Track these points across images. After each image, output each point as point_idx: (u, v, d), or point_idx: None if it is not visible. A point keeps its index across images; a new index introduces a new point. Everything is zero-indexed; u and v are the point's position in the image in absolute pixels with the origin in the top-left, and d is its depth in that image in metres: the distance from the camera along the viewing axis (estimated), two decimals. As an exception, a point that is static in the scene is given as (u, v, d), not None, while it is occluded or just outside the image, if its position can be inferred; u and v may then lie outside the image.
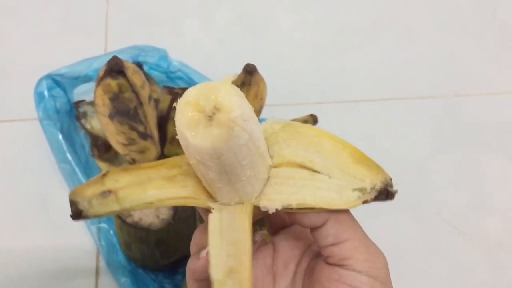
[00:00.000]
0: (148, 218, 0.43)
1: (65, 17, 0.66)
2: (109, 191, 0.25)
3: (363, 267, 0.23)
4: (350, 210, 0.25)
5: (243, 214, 0.24)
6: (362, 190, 0.24)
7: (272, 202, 0.24)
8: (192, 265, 0.26)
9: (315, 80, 0.64)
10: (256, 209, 0.25)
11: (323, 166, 0.24)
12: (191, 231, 0.47)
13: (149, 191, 0.25)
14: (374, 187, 0.24)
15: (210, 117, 0.21)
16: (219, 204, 0.25)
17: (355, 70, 0.65)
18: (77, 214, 0.25)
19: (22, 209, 0.54)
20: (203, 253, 0.24)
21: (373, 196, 0.24)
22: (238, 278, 0.23)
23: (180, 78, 0.57)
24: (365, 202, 0.24)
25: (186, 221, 0.47)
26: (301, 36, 0.67)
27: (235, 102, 0.21)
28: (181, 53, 0.58)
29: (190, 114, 0.21)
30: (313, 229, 0.25)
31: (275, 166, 0.25)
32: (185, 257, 0.49)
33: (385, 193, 0.24)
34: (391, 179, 0.24)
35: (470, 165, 0.60)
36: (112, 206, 0.25)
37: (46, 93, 0.52)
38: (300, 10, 0.69)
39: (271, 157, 0.25)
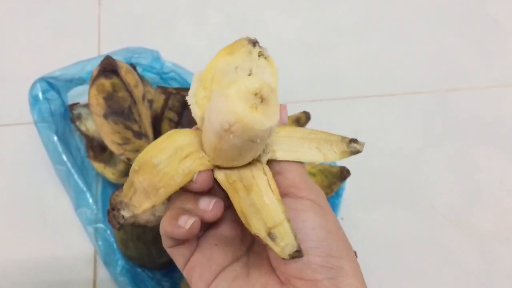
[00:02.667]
0: (145, 215, 0.44)
1: (58, 21, 0.67)
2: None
3: (304, 193, 0.26)
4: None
5: (259, 171, 0.26)
6: (345, 141, 0.28)
7: (282, 154, 0.27)
8: (169, 230, 0.27)
9: (307, 78, 0.65)
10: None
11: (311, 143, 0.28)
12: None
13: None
14: (350, 140, 0.28)
15: (264, 100, 0.23)
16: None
17: (346, 68, 0.66)
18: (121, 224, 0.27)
19: (18, 211, 0.54)
20: (183, 222, 0.26)
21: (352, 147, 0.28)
22: (282, 229, 0.25)
23: (174, 79, 0.57)
24: (354, 151, 0.28)
25: (182, 219, 0.47)
26: (292, 35, 0.68)
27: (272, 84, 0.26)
28: (174, 54, 0.58)
29: (200, 95, 0.25)
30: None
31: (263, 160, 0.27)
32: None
33: (355, 140, 0.28)
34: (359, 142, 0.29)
35: (462, 158, 0.60)
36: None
37: (40, 96, 0.53)
38: (290, 10, 0.70)
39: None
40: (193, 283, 0.28)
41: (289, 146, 0.28)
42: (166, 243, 0.28)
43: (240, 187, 0.26)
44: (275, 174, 0.27)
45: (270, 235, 0.24)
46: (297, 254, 0.24)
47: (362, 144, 0.29)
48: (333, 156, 0.28)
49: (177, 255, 0.28)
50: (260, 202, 0.25)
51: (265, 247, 0.27)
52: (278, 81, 0.29)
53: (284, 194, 0.27)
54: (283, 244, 0.24)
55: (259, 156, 0.27)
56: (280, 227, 0.24)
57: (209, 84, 0.28)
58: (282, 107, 0.29)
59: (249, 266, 0.28)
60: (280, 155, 0.27)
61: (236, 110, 0.22)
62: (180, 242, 0.28)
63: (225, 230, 0.29)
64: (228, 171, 0.26)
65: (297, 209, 0.26)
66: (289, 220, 0.25)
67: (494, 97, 0.65)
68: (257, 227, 0.25)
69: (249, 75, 0.29)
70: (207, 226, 0.29)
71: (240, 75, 0.28)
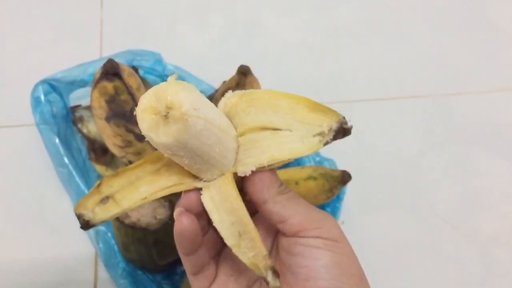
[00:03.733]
0: (146, 218, 0.44)
1: (60, 23, 0.67)
2: (107, 197, 0.28)
3: (315, 233, 0.26)
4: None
5: (227, 184, 0.27)
6: (321, 134, 0.26)
7: (246, 166, 0.27)
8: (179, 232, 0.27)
9: (307, 81, 0.65)
10: (237, 176, 0.27)
11: (282, 123, 0.26)
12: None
13: (140, 188, 0.28)
14: (331, 129, 0.26)
15: (166, 116, 0.23)
16: (204, 182, 0.27)
17: (347, 71, 0.66)
18: (85, 224, 0.28)
19: (19, 213, 0.55)
20: (178, 213, 0.27)
21: (331, 137, 0.26)
22: (248, 236, 0.26)
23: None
24: (326, 143, 0.26)
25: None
26: (293, 38, 0.68)
27: (183, 96, 0.23)
28: (176, 56, 0.59)
29: (148, 118, 0.24)
30: (260, 208, 0.28)
31: (241, 135, 0.27)
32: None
33: (342, 131, 0.26)
34: (344, 117, 0.26)
35: (462, 162, 0.61)
36: (113, 210, 0.28)
37: (42, 98, 0.53)
38: (291, 12, 0.70)
39: (235, 127, 0.27)
40: None
41: (256, 145, 0.27)
42: (189, 268, 0.29)
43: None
44: (278, 223, 0.27)
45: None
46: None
47: (350, 127, 0.27)
48: (312, 146, 0.26)
49: (197, 286, 0.29)
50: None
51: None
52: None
53: (293, 235, 0.27)
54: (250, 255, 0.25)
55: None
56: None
57: None
58: None
59: None
60: (245, 169, 0.27)
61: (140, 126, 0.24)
62: (200, 268, 0.29)
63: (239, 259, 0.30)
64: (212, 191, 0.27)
65: (309, 246, 0.26)
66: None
67: (495, 101, 0.65)
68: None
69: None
70: (223, 255, 0.30)
71: None
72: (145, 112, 0.24)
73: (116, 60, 0.46)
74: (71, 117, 0.54)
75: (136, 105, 0.46)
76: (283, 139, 0.26)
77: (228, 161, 0.27)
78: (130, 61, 0.55)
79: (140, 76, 0.51)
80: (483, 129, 0.63)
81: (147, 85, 0.53)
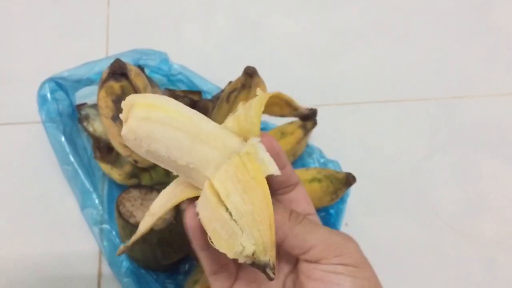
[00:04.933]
0: (151, 218, 0.44)
1: (66, 21, 0.67)
2: None
3: (336, 260, 0.26)
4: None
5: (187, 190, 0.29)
6: (241, 252, 0.24)
7: (197, 205, 0.28)
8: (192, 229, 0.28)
9: (313, 83, 0.65)
10: None
11: (235, 206, 0.25)
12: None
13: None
14: (253, 255, 0.24)
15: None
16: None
17: (353, 73, 0.66)
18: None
19: (24, 210, 0.55)
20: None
21: (249, 262, 0.25)
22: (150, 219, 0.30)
23: (181, 81, 0.57)
24: (235, 259, 0.25)
25: (188, 221, 0.47)
26: (299, 39, 0.68)
27: (127, 125, 0.26)
28: (182, 56, 0.59)
29: (124, 112, 0.27)
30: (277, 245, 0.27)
31: (209, 180, 0.26)
32: (187, 257, 0.50)
33: (261, 268, 0.24)
34: (274, 264, 0.25)
35: (467, 166, 0.60)
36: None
37: (49, 96, 0.53)
38: (298, 14, 0.70)
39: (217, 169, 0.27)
40: None
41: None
42: (208, 266, 0.29)
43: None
44: (298, 254, 0.27)
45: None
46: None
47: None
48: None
49: (217, 286, 0.30)
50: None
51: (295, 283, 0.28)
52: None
53: (314, 262, 0.27)
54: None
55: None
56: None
57: None
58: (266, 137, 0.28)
59: None
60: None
61: None
62: (219, 266, 0.29)
63: None
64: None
65: (330, 272, 0.26)
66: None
67: (500, 105, 0.65)
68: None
69: None
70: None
71: None
72: (125, 106, 0.27)
73: (122, 59, 0.46)
74: (77, 115, 0.54)
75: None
76: (218, 217, 0.25)
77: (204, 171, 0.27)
78: (136, 60, 0.56)
79: (146, 75, 0.51)
80: (488, 133, 0.63)
81: (153, 84, 0.53)
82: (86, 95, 0.57)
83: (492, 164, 0.61)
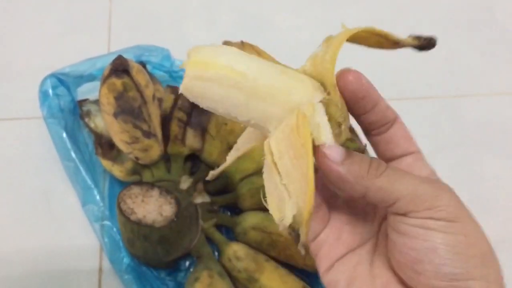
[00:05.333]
0: (152, 215, 0.44)
1: (69, 16, 0.67)
2: None
3: (425, 214, 0.23)
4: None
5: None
6: (282, 220, 0.23)
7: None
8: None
9: (316, 80, 0.65)
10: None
11: (284, 170, 0.24)
12: (194, 229, 0.48)
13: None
14: (291, 226, 0.23)
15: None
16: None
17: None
18: None
19: (25, 206, 0.55)
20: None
21: (288, 231, 0.24)
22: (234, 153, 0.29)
23: (183, 77, 0.57)
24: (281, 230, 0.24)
25: (189, 219, 0.47)
26: (303, 36, 0.68)
27: (183, 84, 0.25)
28: (184, 52, 0.58)
29: (187, 60, 0.25)
30: (358, 198, 0.25)
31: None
32: (187, 254, 0.50)
33: (294, 238, 0.24)
34: (305, 239, 0.23)
35: (469, 165, 0.60)
36: None
37: (50, 91, 0.53)
38: (301, 11, 0.70)
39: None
40: (318, 257, 0.28)
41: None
42: None
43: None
44: (383, 207, 0.25)
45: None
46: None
47: None
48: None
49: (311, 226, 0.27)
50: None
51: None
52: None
53: (402, 215, 0.24)
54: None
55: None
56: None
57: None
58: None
59: (375, 252, 0.27)
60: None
61: None
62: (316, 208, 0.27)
63: (357, 208, 0.28)
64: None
65: (417, 226, 0.23)
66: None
67: (502, 104, 0.64)
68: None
69: None
70: (342, 200, 0.28)
71: None
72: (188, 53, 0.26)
73: (124, 55, 0.46)
74: (79, 111, 0.54)
75: (144, 102, 0.46)
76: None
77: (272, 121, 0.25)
78: (138, 56, 0.55)
79: (147, 72, 0.51)
80: (492, 132, 0.62)
81: (155, 81, 0.53)
82: (88, 91, 0.56)
83: (495, 163, 0.60)
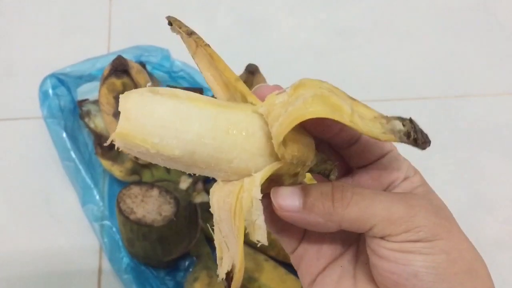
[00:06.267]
0: (151, 215, 0.44)
1: (69, 17, 0.67)
2: None
3: (402, 238, 0.22)
4: None
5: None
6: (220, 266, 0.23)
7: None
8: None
9: (315, 80, 0.65)
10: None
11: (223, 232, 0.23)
12: (193, 229, 0.48)
13: None
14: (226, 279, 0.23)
15: None
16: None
17: (354, 71, 0.66)
18: None
19: (25, 206, 0.55)
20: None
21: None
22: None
23: (183, 78, 0.57)
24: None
25: (188, 219, 0.47)
26: (301, 37, 0.68)
27: (116, 133, 0.21)
28: (183, 53, 0.58)
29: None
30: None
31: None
32: (187, 254, 0.50)
33: None
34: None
35: (468, 165, 0.60)
36: None
37: (50, 92, 0.53)
38: (300, 12, 0.70)
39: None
40: (299, 270, 0.27)
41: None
42: (273, 227, 0.26)
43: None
44: (358, 232, 0.24)
45: None
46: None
47: None
48: None
49: (285, 242, 0.27)
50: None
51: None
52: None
53: (380, 238, 0.23)
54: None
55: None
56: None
57: None
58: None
59: (357, 262, 0.26)
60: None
61: None
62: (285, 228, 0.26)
63: None
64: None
65: (395, 250, 0.22)
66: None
67: (501, 104, 0.65)
68: None
69: None
70: None
71: None
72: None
73: (124, 55, 0.46)
74: (78, 111, 0.54)
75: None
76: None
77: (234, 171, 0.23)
78: (138, 56, 0.56)
79: (147, 72, 0.51)
80: (490, 132, 0.62)
81: (154, 81, 0.53)
82: (88, 91, 0.57)
83: (493, 164, 0.60)
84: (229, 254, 0.23)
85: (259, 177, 0.22)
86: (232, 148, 0.22)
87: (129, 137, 0.21)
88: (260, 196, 0.21)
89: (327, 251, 0.26)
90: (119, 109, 0.22)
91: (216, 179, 0.24)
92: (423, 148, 0.24)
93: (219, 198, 0.23)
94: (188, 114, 0.22)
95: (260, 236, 0.22)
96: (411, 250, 0.22)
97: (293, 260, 0.27)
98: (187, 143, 0.21)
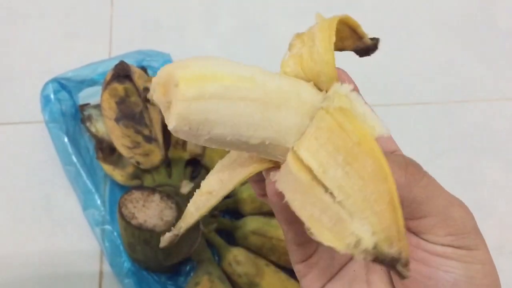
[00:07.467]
0: (152, 220, 0.44)
1: (70, 21, 0.67)
2: None
3: (447, 241, 0.21)
4: None
5: (254, 164, 0.23)
6: (355, 245, 0.18)
7: (277, 177, 0.21)
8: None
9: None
10: None
11: (336, 183, 0.18)
12: (194, 234, 0.48)
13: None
14: (376, 248, 0.18)
15: (169, 102, 0.19)
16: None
17: (354, 76, 0.66)
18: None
19: (26, 210, 0.55)
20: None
21: (369, 257, 0.18)
22: (210, 199, 0.24)
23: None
24: (353, 255, 0.18)
25: (189, 223, 0.47)
26: (303, 42, 0.68)
27: (175, 113, 0.19)
28: (185, 57, 0.59)
29: (157, 93, 0.20)
30: None
31: (292, 151, 0.20)
32: (188, 259, 0.50)
33: (389, 265, 0.18)
34: (407, 258, 0.18)
35: (468, 171, 0.60)
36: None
37: (52, 96, 0.53)
38: (301, 16, 0.70)
39: (301, 137, 0.21)
40: (306, 280, 0.25)
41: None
42: (292, 238, 0.24)
43: None
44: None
45: None
46: None
47: None
48: (336, 243, 0.18)
49: (300, 255, 0.25)
50: None
51: None
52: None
53: (417, 233, 0.22)
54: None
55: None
56: None
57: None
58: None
59: (369, 265, 0.25)
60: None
61: None
62: (306, 241, 0.24)
63: None
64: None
65: (436, 254, 0.22)
66: None
67: (502, 109, 0.65)
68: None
69: None
70: None
71: None
72: (157, 85, 0.20)
73: (125, 60, 0.46)
74: (80, 116, 0.54)
75: (145, 107, 0.46)
76: (314, 200, 0.19)
77: (289, 138, 0.20)
78: (140, 61, 0.56)
79: (149, 77, 0.51)
80: (490, 138, 0.63)
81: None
82: (89, 95, 0.57)
83: (494, 169, 0.61)
84: (359, 217, 0.18)
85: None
86: (288, 79, 0.21)
87: (196, 79, 0.19)
88: (350, 87, 0.20)
89: (340, 256, 0.25)
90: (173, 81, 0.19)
91: (286, 144, 0.21)
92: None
93: (309, 146, 0.19)
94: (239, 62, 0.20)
95: (379, 127, 0.19)
96: (453, 257, 0.21)
97: (302, 268, 0.25)
98: (254, 68, 0.20)
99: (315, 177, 0.19)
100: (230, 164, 0.24)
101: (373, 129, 0.19)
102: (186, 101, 0.19)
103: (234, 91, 0.19)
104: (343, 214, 0.18)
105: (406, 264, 0.17)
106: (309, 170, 0.19)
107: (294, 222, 0.23)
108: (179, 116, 0.19)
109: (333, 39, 0.21)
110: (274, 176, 0.21)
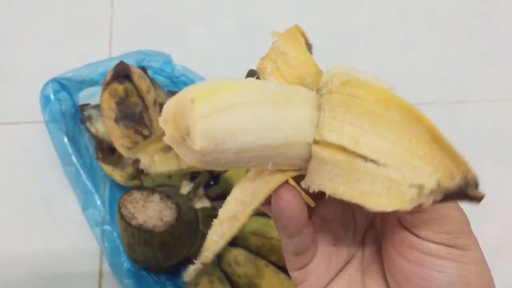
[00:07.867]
0: (152, 220, 0.44)
1: (70, 21, 0.67)
2: (170, 148, 0.23)
3: (440, 239, 0.21)
4: None
5: (276, 175, 0.23)
6: (420, 187, 0.18)
7: (309, 182, 0.21)
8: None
9: (316, 85, 0.65)
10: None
11: (372, 148, 0.19)
12: (194, 234, 0.48)
13: None
14: (440, 185, 0.18)
15: (185, 139, 0.20)
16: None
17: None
18: (139, 171, 0.25)
19: (26, 210, 0.55)
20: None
21: (438, 197, 0.17)
22: (234, 223, 0.24)
23: (184, 82, 0.57)
24: (419, 206, 0.18)
25: (189, 224, 0.47)
26: (303, 42, 0.68)
27: (199, 132, 0.19)
28: (185, 58, 0.59)
29: (168, 131, 0.20)
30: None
31: (316, 143, 0.20)
32: (188, 259, 0.50)
33: (462, 195, 0.18)
34: (475, 177, 0.18)
35: (469, 171, 0.60)
36: (172, 164, 0.25)
37: (52, 96, 0.53)
38: (300, 16, 0.70)
39: (318, 126, 0.21)
40: (304, 286, 0.25)
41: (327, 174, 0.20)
42: (291, 249, 0.25)
43: None
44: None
45: None
46: None
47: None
48: (397, 201, 0.18)
49: (297, 264, 0.25)
50: None
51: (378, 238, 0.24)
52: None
53: (410, 227, 0.22)
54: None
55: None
56: None
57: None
58: None
59: (365, 270, 0.25)
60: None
61: None
62: (305, 248, 0.25)
63: (336, 222, 0.26)
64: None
65: (429, 254, 0.22)
66: None
67: (502, 110, 0.65)
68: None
69: None
70: (321, 223, 0.26)
71: None
72: (167, 122, 0.20)
73: (126, 60, 0.46)
74: (80, 116, 0.54)
75: (145, 107, 0.46)
76: (359, 174, 0.19)
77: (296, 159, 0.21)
78: (140, 61, 0.56)
79: (149, 77, 0.51)
80: (491, 138, 0.62)
81: (156, 86, 0.53)
82: (89, 95, 0.57)
83: (495, 170, 0.61)
84: (407, 169, 0.18)
85: None
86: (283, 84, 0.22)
87: (207, 95, 0.19)
88: (343, 66, 0.22)
89: (337, 261, 0.26)
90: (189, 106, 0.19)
91: (308, 136, 0.21)
92: None
93: (334, 124, 0.20)
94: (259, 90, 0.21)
95: (385, 82, 0.20)
96: (447, 257, 0.21)
97: (299, 275, 0.26)
98: (251, 79, 0.21)
99: (350, 153, 0.19)
100: (250, 184, 0.24)
101: (382, 87, 0.20)
102: (205, 117, 0.19)
103: (243, 97, 0.20)
104: (392, 173, 0.18)
105: (476, 185, 0.18)
106: (342, 149, 0.19)
107: (295, 236, 0.23)
108: (203, 133, 0.19)
109: (302, 40, 0.23)
110: (306, 182, 0.21)
